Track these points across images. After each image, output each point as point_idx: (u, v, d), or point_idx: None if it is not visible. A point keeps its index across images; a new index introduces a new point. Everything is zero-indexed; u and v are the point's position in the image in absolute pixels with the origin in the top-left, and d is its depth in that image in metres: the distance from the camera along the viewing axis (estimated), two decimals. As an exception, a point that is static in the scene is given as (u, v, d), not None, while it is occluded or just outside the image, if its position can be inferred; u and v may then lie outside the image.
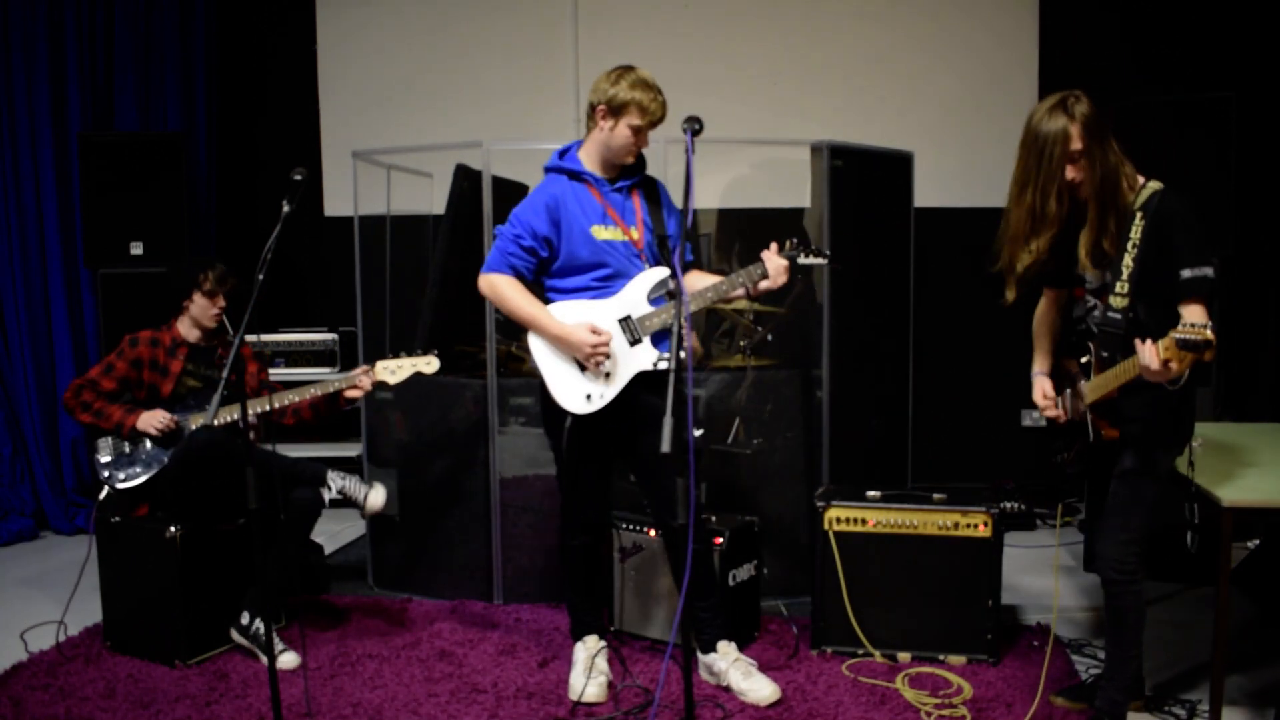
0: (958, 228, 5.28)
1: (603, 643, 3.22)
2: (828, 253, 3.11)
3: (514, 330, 4.50)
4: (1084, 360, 2.68)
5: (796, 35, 5.37)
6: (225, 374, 2.63)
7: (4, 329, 5.02)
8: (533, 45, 5.49)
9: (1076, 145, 2.50)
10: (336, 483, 3.45)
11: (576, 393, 2.99)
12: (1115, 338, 2.55)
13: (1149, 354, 2.30)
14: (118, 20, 5.10)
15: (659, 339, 3.01)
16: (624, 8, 5.45)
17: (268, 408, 3.43)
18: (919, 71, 5.34)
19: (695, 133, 2.78)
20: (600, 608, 3.30)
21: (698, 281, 3.11)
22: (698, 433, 3.18)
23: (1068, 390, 2.78)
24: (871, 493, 3.40)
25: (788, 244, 3.04)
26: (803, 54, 5.37)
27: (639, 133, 2.95)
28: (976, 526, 3.26)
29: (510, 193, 4.36)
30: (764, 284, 2.97)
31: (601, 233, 3.00)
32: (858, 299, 4.03)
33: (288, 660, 3.32)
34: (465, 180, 3.89)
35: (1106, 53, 5.12)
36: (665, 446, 2.17)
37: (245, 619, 3.38)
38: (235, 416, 3.37)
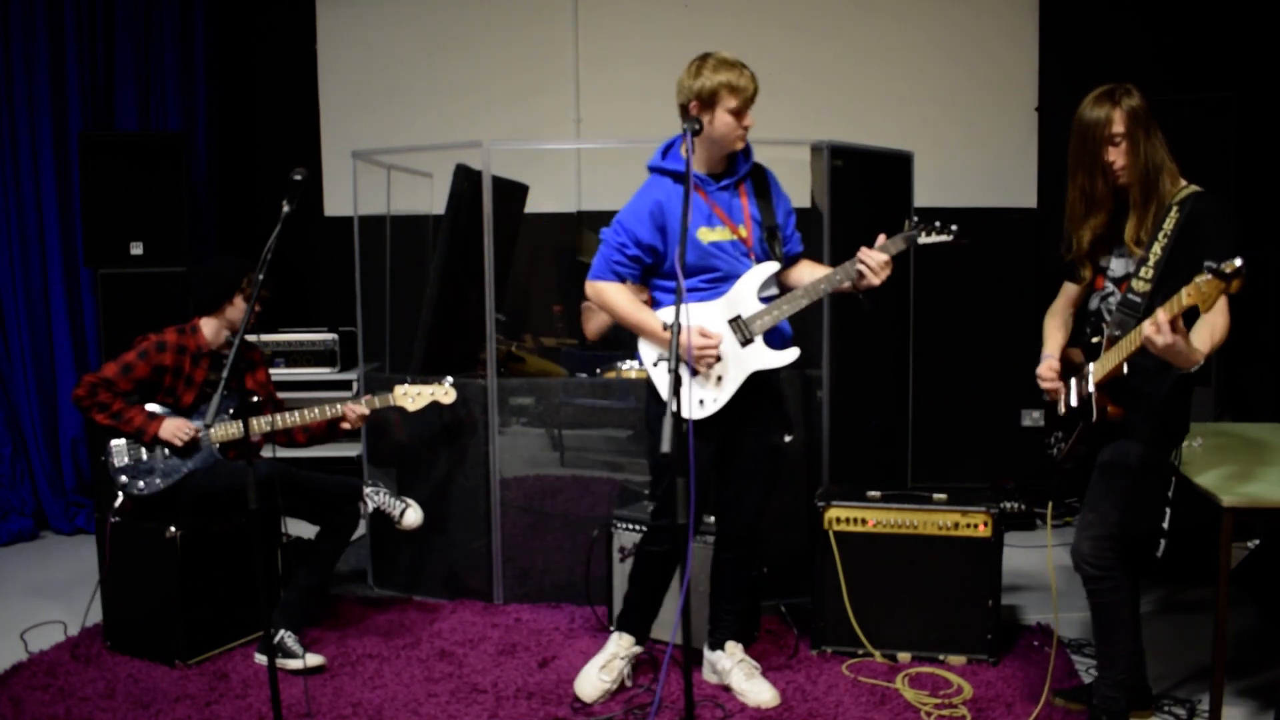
0: (958, 228, 5.29)
1: (636, 649, 3.16)
2: (954, 227, 2.93)
3: (514, 330, 4.50)
4: (1094, 340, 2.69)
5: (796, 35, 5.37)
6: (225, 375, 2.63)
7: (4, 329, 5.02)
8: (533, 45, 5.49)
9: (1117, 129, 2.57)
10: (373, 500, 3.51)
11: (690, 398, 2.88)
12: (1131, 320, 2.56)
13: (1151, 327, 2.33)
14: (118, 20, 5.09)
15: (772, 338, 2.95)
16: (624, 8, 5.45)
17: (270, 429, 3.44)
18: (919, 71, 5.34)
19: (695, 133, 2.77)
20: (654, 616, 3.20)
21: (806, 273, 3.05)
22: (788, 438, 3.13)
23: (1073, 379, 2.77)
24: (871, 493, 3.40)
25: (906, 223, 2.92)
26: (803, 54, 5.37)
27: (739, 114, 2.81)
28: (976, 526, 3.26)
29: (510, 193, 4.37)
30: (864, 281, 2.87)
31: (708, 235, 2.89)
32: (858, 298, 4.02)
33: (314, 660, 3.30)
34: (465, 180, 3.89)
35: (1106, 52, 5.12)
36: (665, 446, 2.15)
37: (272, 633, 3.30)
38: (237, 431, 3.40)
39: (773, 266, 2.95)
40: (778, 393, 3.10)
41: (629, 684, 3.14)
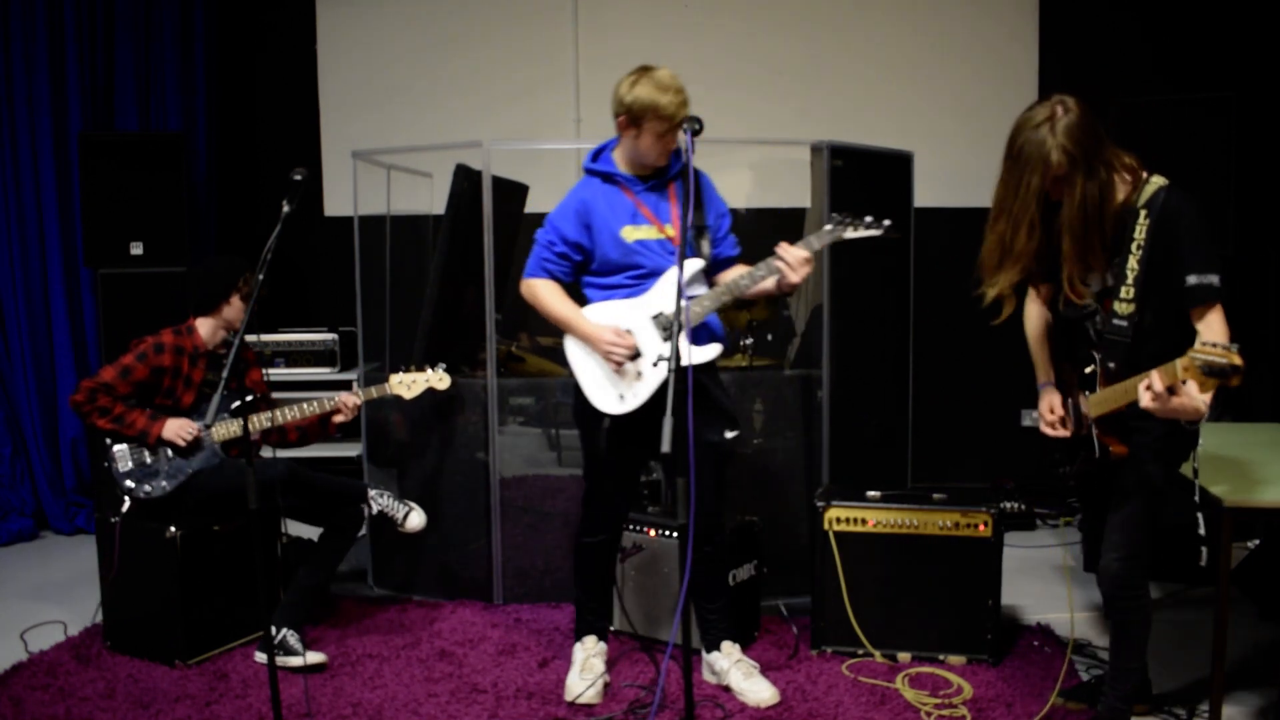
0: (958, 228, 5.27)
1: (602, 644, 3.22)
2: (886, 221, 2.85)
3: (510, 330, 4.49)
4: (1088, 370, 2.57)
5: (796, 35, 5.37)
6: (225, 374, 2.63)
7: (4, 329, 5.02)
8: (533, 45, 5.48)
9: (1059, 174, 2.40)
10: (377, 503, 3.54)
11: (609, 393, 2.96)
12: (1121, 346, 2.44)
13: (1147, 394, 2.21)
14: (118, 20, 5.09)
15: (700, 334, 2.95)
16: (624, 8, 5.45)
17: (267, 425, 3.45)
18: (919, 71, 5.34)
19: (695, 133, 2.78)
20: (607, 608, 3.31)
21: (732, 275, 3.04)
22: (731, 434, 3.12)
23: (1069, 400, 2.68)
24: (871, 493, 3.40)
25: (832, 217, 2.89)
26: (802, 54, 5.37)
27: (663, 137, 2.87)
28: (976, 526, 3.26)
29: (510, 193, 4.36)
30: (785, 279, 2.83)
31: (633, 233, 2.94)
32: (858, 299, 4.03)
33: (315, 657, 3.31)
34: (465, 180, 3.89)
35: (1106, 53, 5.12)
36: (665, 446, 2.16)
37: (273, 632, 3.29)
38: (239, 430, 3.39)
39: (697, 263, 2.97)
40: (715, 389, 3.08)
41: (608, 678, 3.16)
